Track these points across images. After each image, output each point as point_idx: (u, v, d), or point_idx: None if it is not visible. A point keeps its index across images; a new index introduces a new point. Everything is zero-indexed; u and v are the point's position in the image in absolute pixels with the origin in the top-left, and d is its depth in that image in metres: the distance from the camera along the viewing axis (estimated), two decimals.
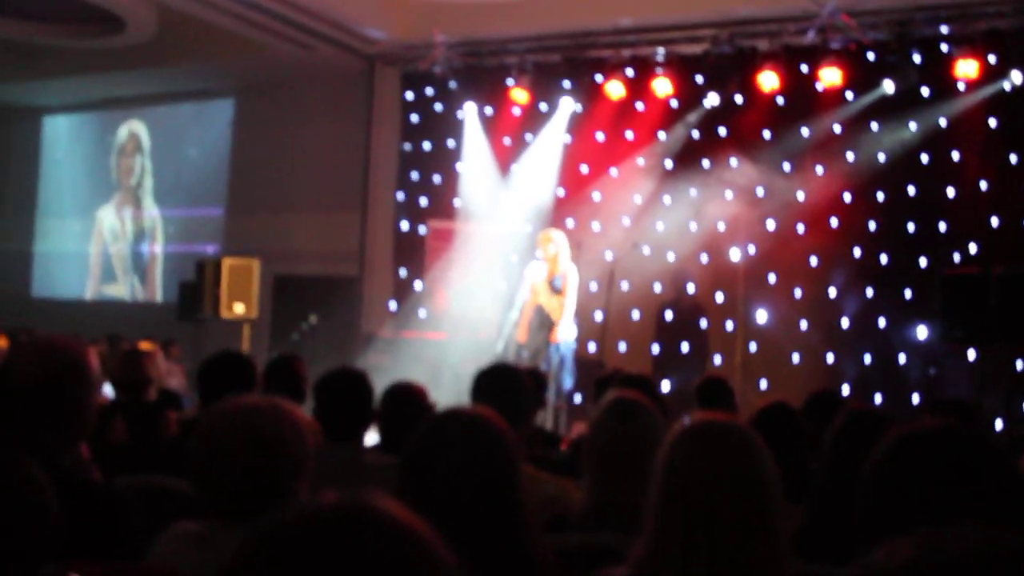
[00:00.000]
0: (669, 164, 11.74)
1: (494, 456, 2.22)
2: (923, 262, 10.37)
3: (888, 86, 10.62)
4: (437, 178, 13.17)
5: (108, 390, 5.54)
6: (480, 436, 2.24)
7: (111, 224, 16.94)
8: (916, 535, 0.79)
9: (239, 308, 11.27)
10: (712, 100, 11.47)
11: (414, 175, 13.38)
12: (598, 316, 10.85)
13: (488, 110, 12.78)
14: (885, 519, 1.75)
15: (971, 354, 9.42)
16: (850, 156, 10.79)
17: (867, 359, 10.52)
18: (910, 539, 0.79)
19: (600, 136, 12.14)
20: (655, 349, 11.58)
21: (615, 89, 11.70)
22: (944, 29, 10.36)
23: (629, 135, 12.00)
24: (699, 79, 11.54)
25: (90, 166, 17.27)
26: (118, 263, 16.84)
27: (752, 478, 2.05)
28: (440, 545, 0.96)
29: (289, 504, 2.32)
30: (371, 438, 4.28)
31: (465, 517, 2.07)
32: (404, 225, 13.35)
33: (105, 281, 16.97)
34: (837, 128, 10.95)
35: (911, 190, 10.58)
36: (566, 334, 9.45)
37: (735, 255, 11.26)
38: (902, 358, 10.35)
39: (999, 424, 8.73)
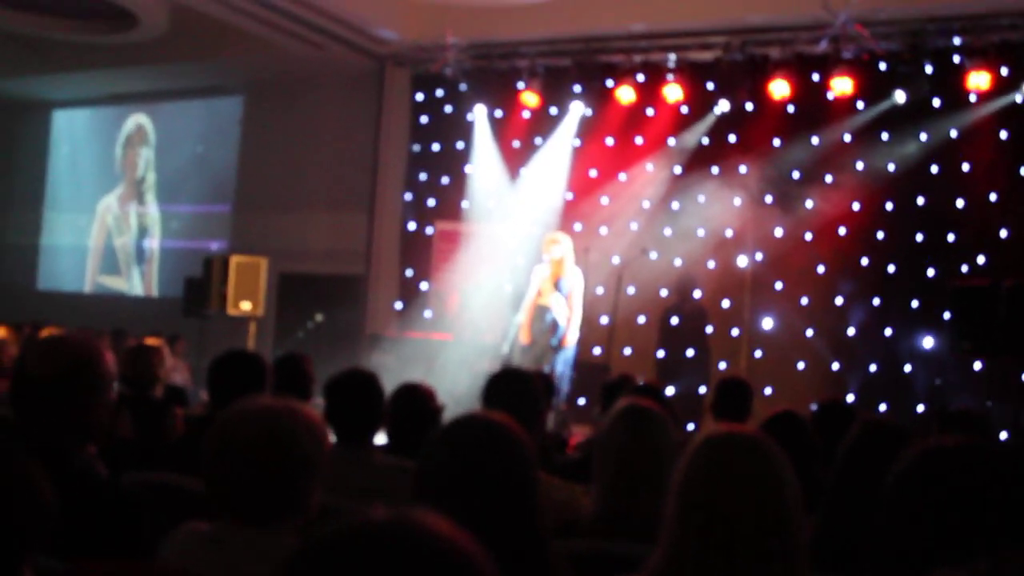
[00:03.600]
0: (678, 170, 11.72)
1: (513, 463, 2.21)
2: (931, 272, 10.36)
3: (899, 96, 10.61)
4: (445, 179, 13.15)
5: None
6: (499, 442, 2.23)
7: (115, 215, 16.95)
8: (970, 567, 0.78)
9: (245, 306, 11.28)
10: (723, 107, 11.46)
11: (422, 176, 13.37)
12: (604, 320, 10.84)
13: (498, 113, 12.76)
14: (905, 533, 1.74)
15: (977, 364, 9.41)
16: (860, 165, 10.80)
17: (873, 368, 10.51)
18: (965, 571, 0.78)
19: (610, 141, 12.13)
20: (660, 354, 11.58)
21: (626, 94, 11.68)
22: (957, 41, 10.34)
23: (639, 140, 11.99)
24: (710, 86, 11.54)
25: (98, 160, 17.30)
26: (122, 256, 16.85)
27: (772, 491, 2.04)
28: (489, 563, 0.96)
29: (304, 508, 2.33)
30: (378, 439, 4.28)
31: (483, 524, 2.07)
32: (411, 225, 13.34)
33: (104, 272, 16.98)
34: (847, 137, 10.95)
35: (920, 200, 10.56)
36: (571, 338, 9.43)
37: (742, 262, 11.26)
38: (908, 367, 10.33)
39: (1004, 435, 8.72)
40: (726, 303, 11.40)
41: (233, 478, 2.37)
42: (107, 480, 2.84)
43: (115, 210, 16.96)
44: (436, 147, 13.30)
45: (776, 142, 11.18)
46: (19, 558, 1.95)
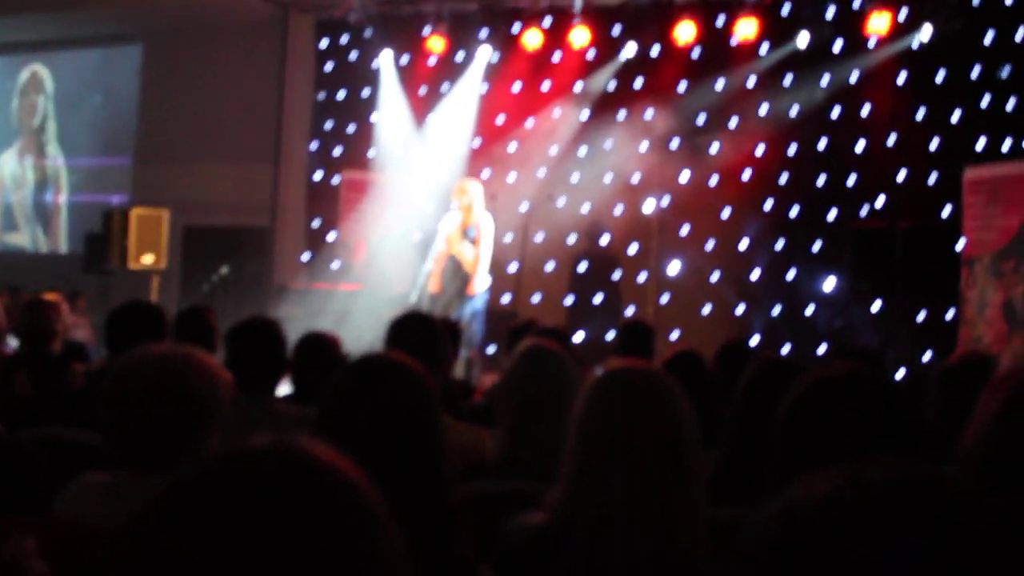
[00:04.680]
0: (585, 115, 11.74)
1: (414, 402, 2.21)
2: (832, 214, 10.56)
3: (802, 40, 10.74)
4: (351, 128, 12.99)
5: (11, 341, 5.40)
6: (399, 381, 2.22)
7: (12, 171, 16.42)
8: (832, 469, 0.80)
9: (148, 259, 11.05)
10: (629, 51, 11.49)
11: (328, 125, 13.19)
12: (512, 267, 10.86)
13: (404, 59, 12.63)
14: (799, 461, 1.79)
15: (876, 306, 9.66)
16: (763, 109, 10.91)
17: (776, 310, 10.71)
18: (826, 473, 0.80)
19: (517, 86, 12.09)
20: (568, 300, 11.66)
21: (532, 39, 11.65)
22: None
23: (546, 86, 11.97)
24: (616, 30, 11.55)
25: None
26: (19, 212, 16.36)
27: (670, 423, 2.07)
28: (373, 489, 0.95)
29: (203, 455, 2.30)
30: (282, 389, 4.24)
31: (384, 463, 2.06)
32: (317, 175, 13.19)
33: (6, 230, 16.49)
34: (751, 81, 11.05)
35: (822, 143, 10.73)
36: (481, 285, 9.44)
37: (649, 206, 11.33)
38: (810, 309, 10.56)
39: (902, 372, 8.97)
40: (633, 248, 11.49)
41: (130, 425, 2.33)
42: (2, 436, 2.77)
43: (12, 164, 16.44)
44: (342, 95, 13.11)
45: (682, 86, 11.25)
46: None
